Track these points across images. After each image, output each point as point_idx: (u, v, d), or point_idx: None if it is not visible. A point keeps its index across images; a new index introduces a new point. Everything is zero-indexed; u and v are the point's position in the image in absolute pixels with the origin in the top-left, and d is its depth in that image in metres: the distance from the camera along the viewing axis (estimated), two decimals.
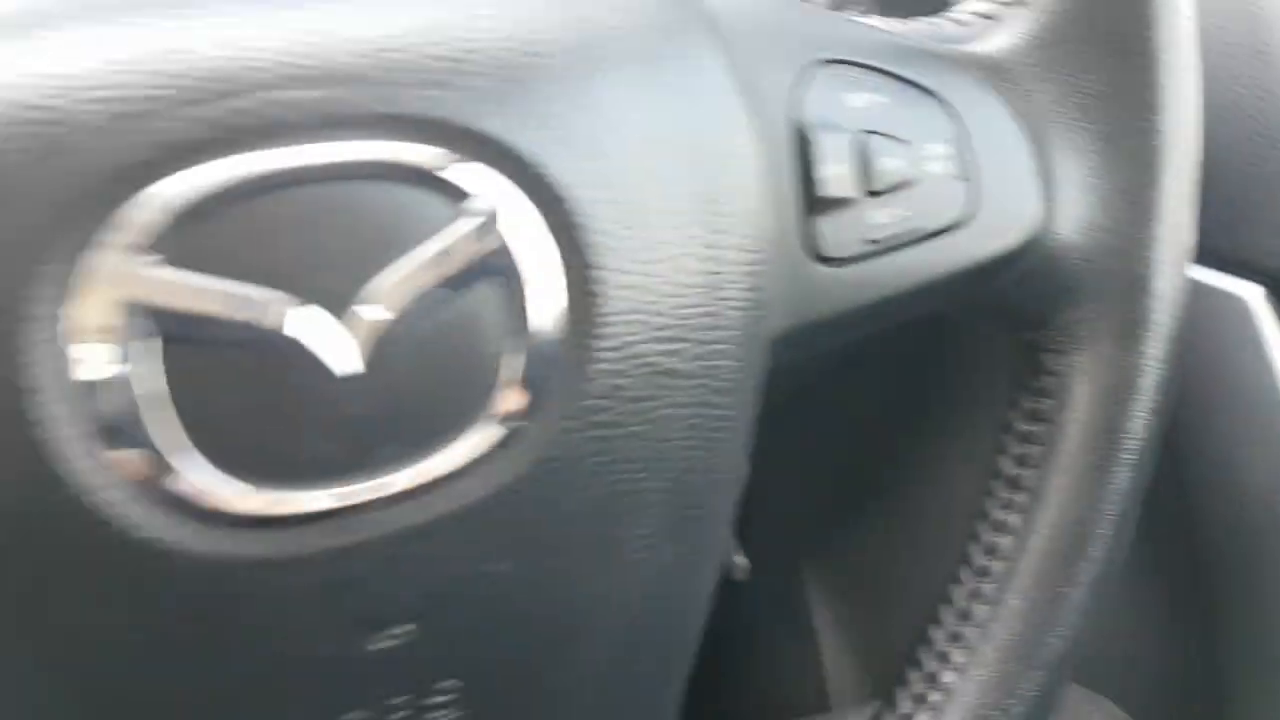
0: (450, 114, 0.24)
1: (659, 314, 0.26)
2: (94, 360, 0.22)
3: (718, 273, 0.27)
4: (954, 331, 0.50)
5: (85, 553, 0.22)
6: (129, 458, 0.22)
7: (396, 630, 0.25)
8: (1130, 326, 0.34)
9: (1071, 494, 0.34)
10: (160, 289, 0.22)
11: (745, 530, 0.57)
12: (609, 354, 0.25)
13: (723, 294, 0.27)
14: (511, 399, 0.25)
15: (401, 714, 0.26)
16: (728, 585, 0.32)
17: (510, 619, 0.27)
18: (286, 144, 0.23)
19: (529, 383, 0.25)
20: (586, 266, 0.25)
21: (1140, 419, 0.34)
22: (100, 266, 0.21)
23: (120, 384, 0.22)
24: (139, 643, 0.23)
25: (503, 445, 0.25)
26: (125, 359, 0.22)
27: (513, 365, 0.25)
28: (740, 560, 0.59)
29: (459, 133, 0.24)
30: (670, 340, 0.26)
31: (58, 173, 0.21)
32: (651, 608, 0.28)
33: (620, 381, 0.26)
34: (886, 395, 0.59)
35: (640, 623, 0.29)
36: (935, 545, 0.42)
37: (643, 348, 0.26)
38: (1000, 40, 0.33)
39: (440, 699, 0.27)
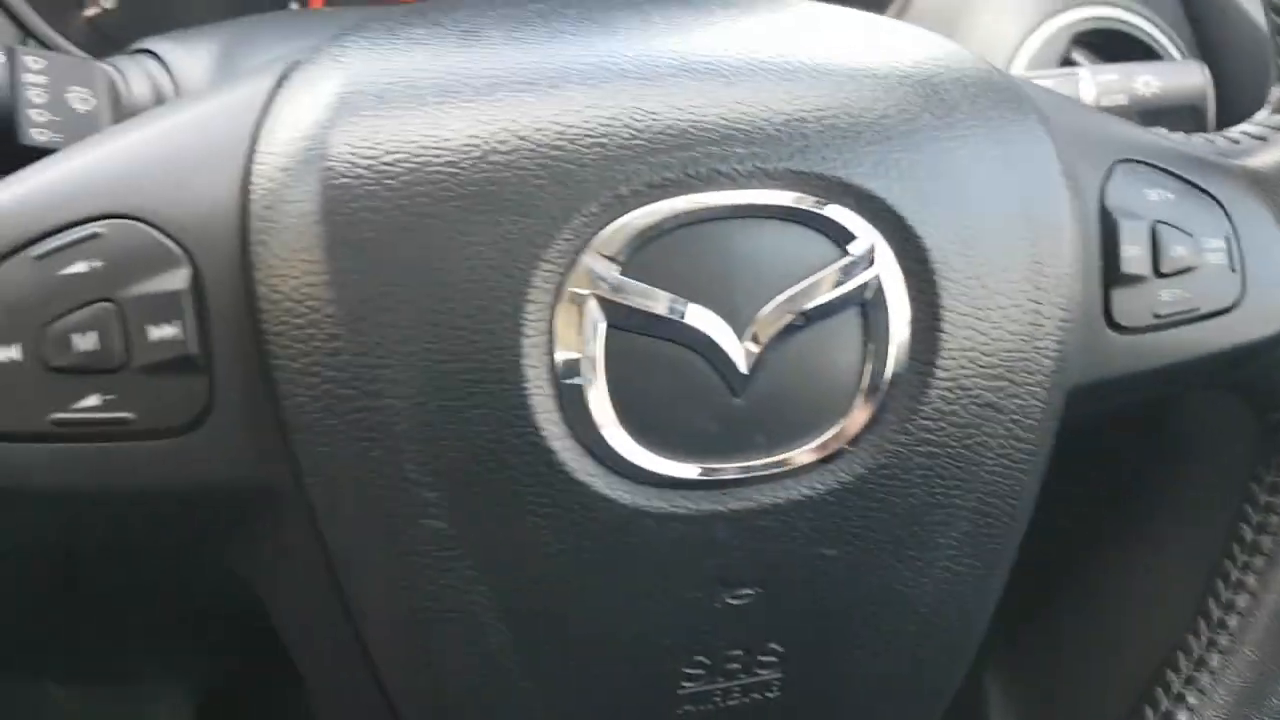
0: (842, 173, 0.30)
1: (987, 354, 0.31)
2: (568, 340, 0.28)
3: (1038, 325, 0.32)
4: (1184, 420, 0.53)
5: (541, 492, 0.28)
6: (578, 426, 0.28)
7: (743, 591, 0.31)
8: None
9: None
10: (620, 290, 0.28)
11: None
12: (944, 382, 0.31)
13: (1040, 344, 0.32)
14: (865, 408, 0.30)
15: (735, 668, 0.32)
16: None
17: (830, 598, 0.32)
18: (722, 189, 0.29)
19: (880, 396, 0.30)
20: (937, 305, 0.30)
21: None
22: (584, 268, 0.28)
23: (581, 364, 0.28)
24: (560, 569, 0.29)
25: (849, 449, 0.30)
26: (586, 343, 0.28)
27: (870, 380, 0.30)
28: None
29: (848, 188, 0.30)
30: (994, 378, 0.31)
31: (565, 194, 0.28)
32: (945, 608, 0.33)
33: (950, 408, 0.31)
34: (1099, 489, 0.63)
35: (935, 620, 0.33)
36: (1143, 635, 0.45)
37: (971, 381, 0.31)
38: (1267, 157, 0.38)
39: (766, 659, 0.32)
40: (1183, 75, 0.49)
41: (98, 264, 0.27)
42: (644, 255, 0.29)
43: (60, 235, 0.27)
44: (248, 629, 0.36)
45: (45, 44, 0.56)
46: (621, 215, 0.28)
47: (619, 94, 0.29)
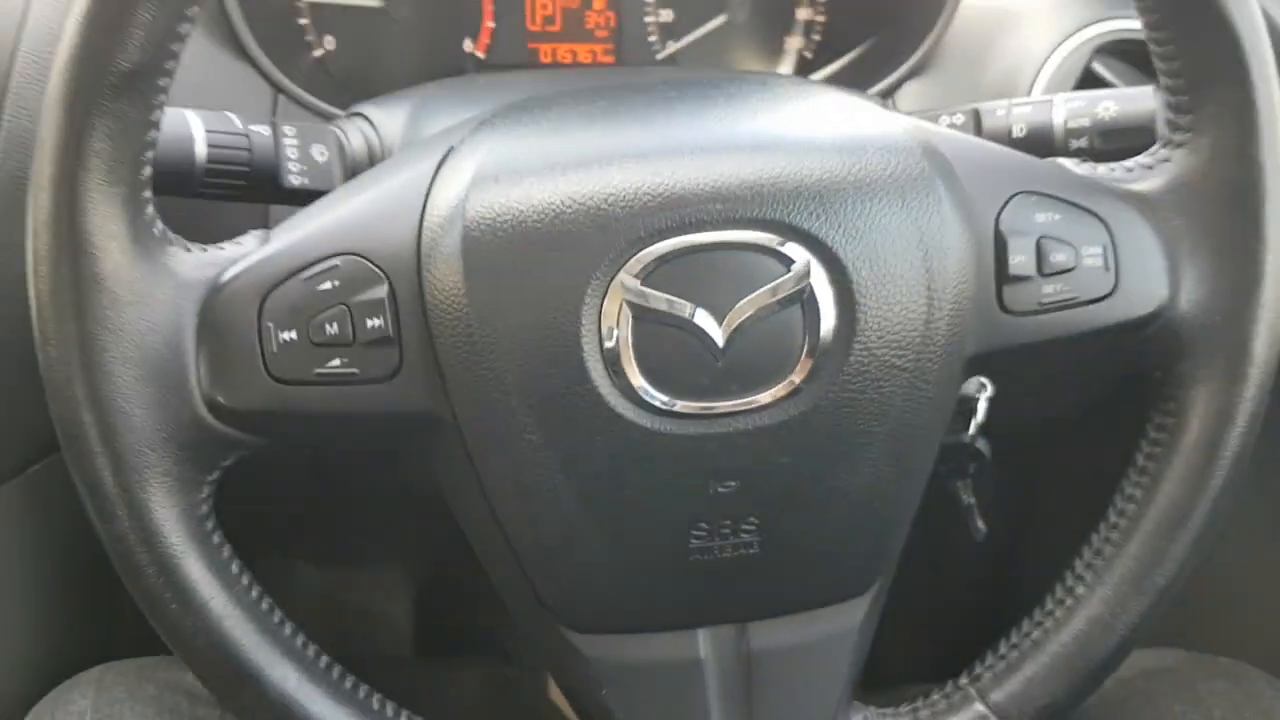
0: (791, 219, 0.46)
1: (892, 333, 0.47)
2: (610, 330, 0.46)
3: (932, 314, 0.47)
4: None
5: (594, 419, 0.46)
6: (616, 378, 0.46)
7: (728, 483, 0.48)
8: (1233, 374, 0.50)
9: (1179, 482, 0.51)
10: (644, 296, 0.45)
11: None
12: (860, 351, 0.47)
13: (934, 324, 0.47)
14: (805, 367, 0.47)
15: (726, 532, 0.49)
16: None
17: (789, 489, 0.48)
18: (706, 231, 0.46)
19: (815, 360, 0.46)
20: (853, 301, 0.46)
21: (1236, 439, 0.51)
22: (619, 282, 0.45)
23: (618, 341, 0.46)
24: (609, 467, 0.47)
25: (795, 393, 0.47)
26: (620, 328, 0.46)
27: (806, 350, 0.46)
28: (981, 526, 0.77)
29: (794, 229, 0.46)
30: (898, 347, 0.47)
31: (607, 236, 0.45)
32: (872, 500, 0.49)
33: (866, 366, 0.47)
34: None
35: (865, 507, 0.49)
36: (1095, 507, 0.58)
37: (880, 351, 0.47)
38: (1151, 183, 0.51)
39: (747, 527, 0.49)
40: (1137, 101, 0.61)
41: (337, 283, 0.46)
42: (657, 274, 0.46)
43: (317, 265, 0.47)
44: (447, 520, 0.55)
45: (275, 85, 0.73)
46: (642, 250, 0.46)
47: (642, 169, 0.46)
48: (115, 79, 0.42)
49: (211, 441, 0.47)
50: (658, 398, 0.46)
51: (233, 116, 0.58)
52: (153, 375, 0.45)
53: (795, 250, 0.46)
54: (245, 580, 0.49)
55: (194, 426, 0.46)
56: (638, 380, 0.46)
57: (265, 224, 0.66)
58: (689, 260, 0.46)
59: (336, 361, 0.46)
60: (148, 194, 0.46)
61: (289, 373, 0.47)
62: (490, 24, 0.83)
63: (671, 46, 0.85)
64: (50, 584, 0.74)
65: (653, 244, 0.46)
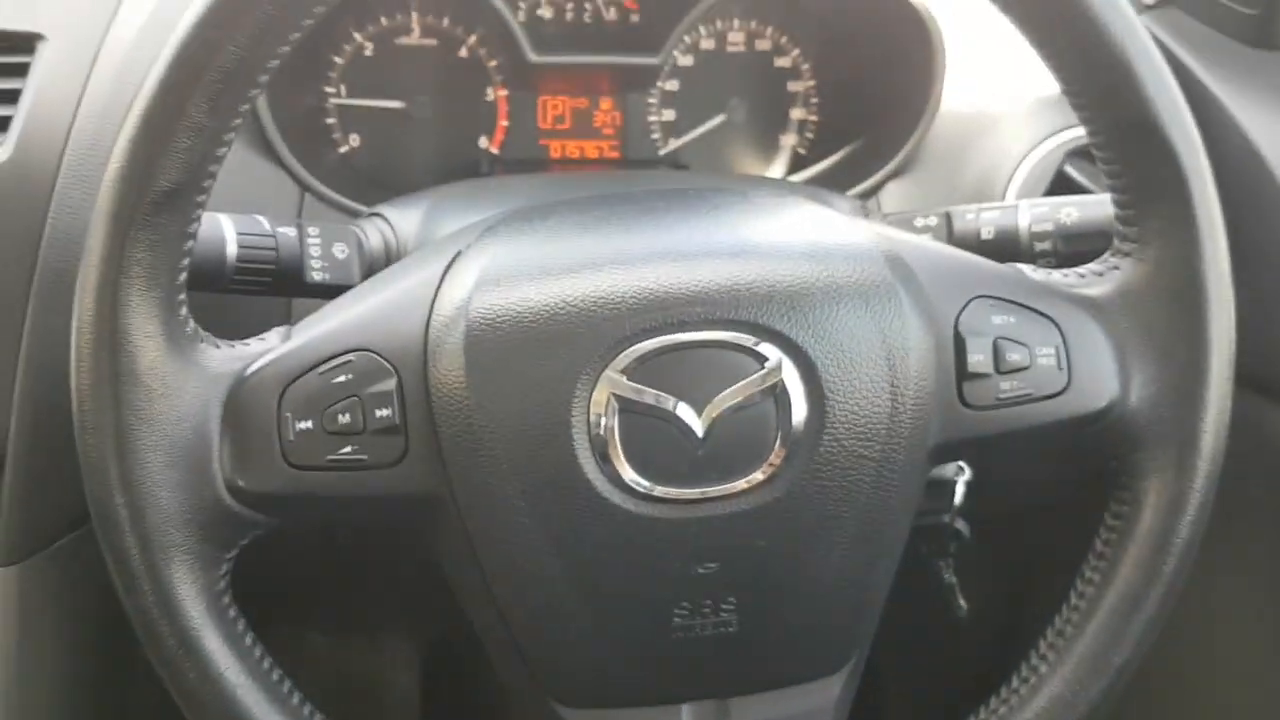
0: (764, 321, 0.50)
1: (859, 425, 0.51)
2: (598, 421, 0.50)
3: (897, 405, 0.51)
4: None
5: (583, 503, 0.50)
6: (604, 466, 0.50)
7: (710, 565, 0.51)
8: (1182, 467, 0.54)
9: (1134, 567, 0.55)
10: (629, 390, 0.50)
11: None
12: (829, 441, 0.51)
13: (898, 418, 0.51)
14: (778, 456, 0.50)
15: (706, 611, 0.52)
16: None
17: (765, 571, 0.52)
18: (687, 331, 0.50)
19: (788, 449, 0.50)
20: (822, 396, 0.50)
21: (1187, 527, 0.54)
22: (607, 377, 0.49)
23: (605, 431, 0.50)
24: (596, 548, 0.51)
25: (770, 480, 0.51)
26: (607, 419, 0.50)
27: (779, 440, 0.50)
28: (963, 604, 0.80)
29: (767, 330, 0.50)
30: (865, 438, 0.51)
31: (597, 335, 0.49)
32: (843, 584, 0.53)
33: (835, 456, 0.51)
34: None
35: (836, 592, 0.53)
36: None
37: (848, 441, 0.51)
38: (1102, 288, 0.55)
39: (726, 607, 0.52)
40: (1097, 207, 0.66)
41: (351, 376, 0.51)
42: (642, 369, 0.50)
43: (333, 360, 0.51)
44: (449, 599, 0.58)
45: (302, 184, 0.78)
46: (629, 347, 0.50)
47: (629, 274, 0.51)
48: (157, 196, 0.47)
49: (231, 522, 0.51)
50: (642, 484, 0.50)
51: (262, 219, 0.63)
52: (179, 460, 0.49)
53: (769, 349, 0.50)
54: (258, 653, 0.52)
55: (215, 508, 0.50)
56: (624, 468, 0.50)
57: (287, 313, 0.71)
58: (671, 357, 0.50)
59: (348, 448, 0.51)
60: (183, 296, 0.50)
61: (304, 459, 0.51)
62: (504, 123, 0.89)
63: (673, 143, 0.91)
64: (70, 649, 0.77)
65: (638, 342, 0.50)
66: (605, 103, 0.90)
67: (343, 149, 0.87)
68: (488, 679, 0.59)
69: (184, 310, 0.51)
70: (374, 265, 0.66)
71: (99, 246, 0.48)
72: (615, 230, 0.54)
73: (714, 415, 0.50)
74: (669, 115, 0.90)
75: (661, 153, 0.91)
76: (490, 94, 0.88)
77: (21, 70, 0.69)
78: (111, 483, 0.49)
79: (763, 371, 0.50)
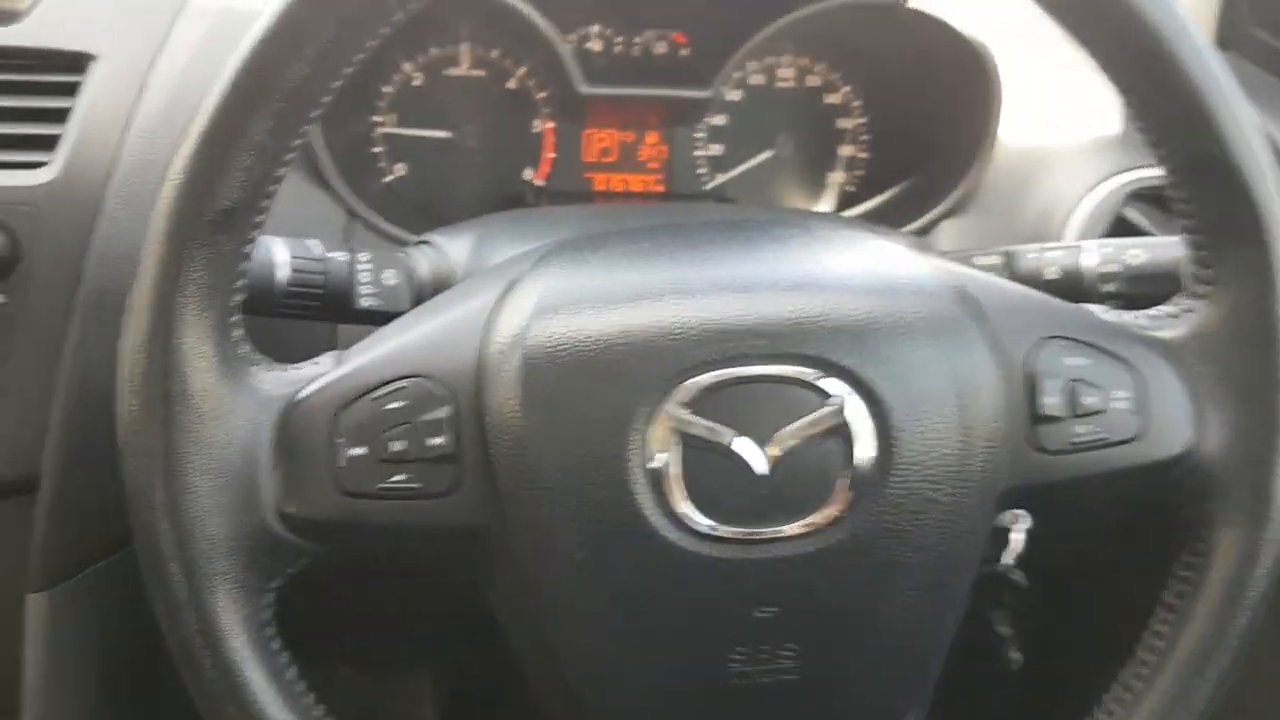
0: (829, 355, 0.48)
1: (929, 466, 0.49)
2: (657, 455, 0.48)
3: (967, 448, 0.49)
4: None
5: (638, 539, 0.48)
6: (661, 501, 0.48)
7: (768, 609, 0.49)
8: (1256, 517, 0.52)
9: (1205, 620, 0.53)
10: (689, 423, 0.48)
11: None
12: (897, 483, 0.49)
13: (969, 461, 0.49)
14: (844, 497, 0.49)
15: (764, 657, 0.50)
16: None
17: (827, 617, 0.50)
18: (749, 365, 0.48)
19: (854, 490, 0.49)
20: (890, 436, 0.49)
21: (1259, 580, 0.52)
22: (666, 410, 0.48)
23: (663, 465, 0.48)
24: (651, 586, 0.49)
25: (834, 523, 0.49)
26: (666, 453, 0.48)
27: (845, 480, 0.49)
28: (1018, 656, 0.78)
29: (831, 365, 0.49)
30: (934, 481, 0.49)
31: (657, 367, 0.48)
32: (909, 632, 0.51)
33: (903, 499, 0.49)
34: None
35: (901, 639, 0.51)
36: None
37: (916, 483, 0.49)
38: (1177, 330, 0.53)
39: (785, 653, 0.50)
40: (1166, 250, 0.64)
41: (405, 403, 0.49)
42: (703, 403, 0.48)
43: (386, 386, 0.50)
44: (477, 632, 0.56)
45: (349, 210, 0.78)
46: (689, 379, 0.48)
47: (690, 305, 0.49)
48: (216, 215, 0.46)
49: (279, 549, 0.49)
50: (701, 523, 0.48)
51: (313, 244, 0.62)
52: (228, 485, 0.48)
53: (833, 384, 0.49)
54: (299, 688, 0.51)
55: (263, 534, 0.49)
56: (682, 505, 0.48)
57: (333, 339, 0.70)
58: (733, 391, 0.49)
59: (400, 476, 0.49)
60: (237, 317, 0.49)
61: (356, 486, 0.49)
62: (550, 155, 0.88)
63: (720, 178, 0.90)
64: (101, 677, 0.76)
65: (699, 374, 0.48)
66: (651, 136, 0.89)
67: (388, 178, 0.87)
68: (510, 716, 0.57)
69: (238, 331, 0.50)
70: (423, 293, 0.65)
71: (155, 264, 0.47)
72: (675, 260, 0.53)
73: (776, 452, 0.48)
74: (716, 150, 0.90)
75: (707, 187, 0.90)
76: (537, 125, 0.87)
77: (71, 89, 0.69)
78: (157, 507, 0.47)
79: (828, 409, 0.49)
